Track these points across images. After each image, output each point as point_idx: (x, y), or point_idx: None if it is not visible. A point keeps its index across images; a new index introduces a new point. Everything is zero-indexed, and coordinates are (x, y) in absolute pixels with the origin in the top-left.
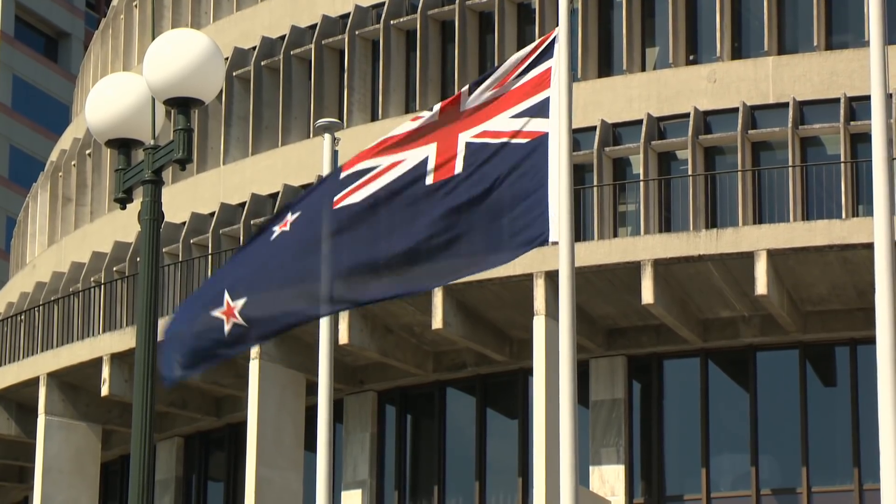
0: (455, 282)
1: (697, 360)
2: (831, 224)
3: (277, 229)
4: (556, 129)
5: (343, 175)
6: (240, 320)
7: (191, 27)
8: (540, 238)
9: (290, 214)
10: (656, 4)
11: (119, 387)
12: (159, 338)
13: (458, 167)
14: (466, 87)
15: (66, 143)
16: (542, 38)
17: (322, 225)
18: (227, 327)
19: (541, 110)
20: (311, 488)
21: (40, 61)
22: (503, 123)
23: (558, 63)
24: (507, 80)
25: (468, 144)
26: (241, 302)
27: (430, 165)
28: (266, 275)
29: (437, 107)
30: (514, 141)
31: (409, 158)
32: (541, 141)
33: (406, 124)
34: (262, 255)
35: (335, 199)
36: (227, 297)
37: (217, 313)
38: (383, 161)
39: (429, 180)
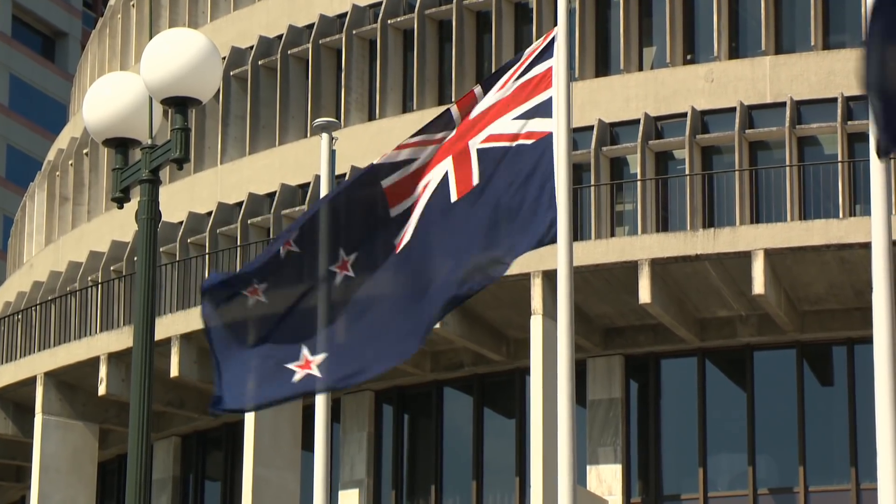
0: None
1: (695, 359)
2: (829, 224)
3: (338, 272)
4: (555, 129)
5: (393, 214)
6: (315, 372)
7: (188, 27)
8: (547, 238)
9: (343, 255)
10: (654, 4)
11: (116, 386)
12: (213, 375)
13: (476, 178)
14: (479, 86)
15: (63, 143)
16: (542, 38)
17: (387, 270)
18: (297, 377)
19: (543, 110)
20: (309, 488)
21: (37, 61)
22: (507, 125)
23: (558, 63)
24: (508, 82)
25: (479, 151)
26: (320, 357)
27: (452, 181)
28: (344, 329)
29: (455, 111)
30: (520, 143)
31: (433, 179)
32: (545, 141)
33: (427, 126)
34: (333, 303)
35: (395, 243)
36: (304, 351)
37: (292, 366)
38: (417, 187)
39: (453, 197)
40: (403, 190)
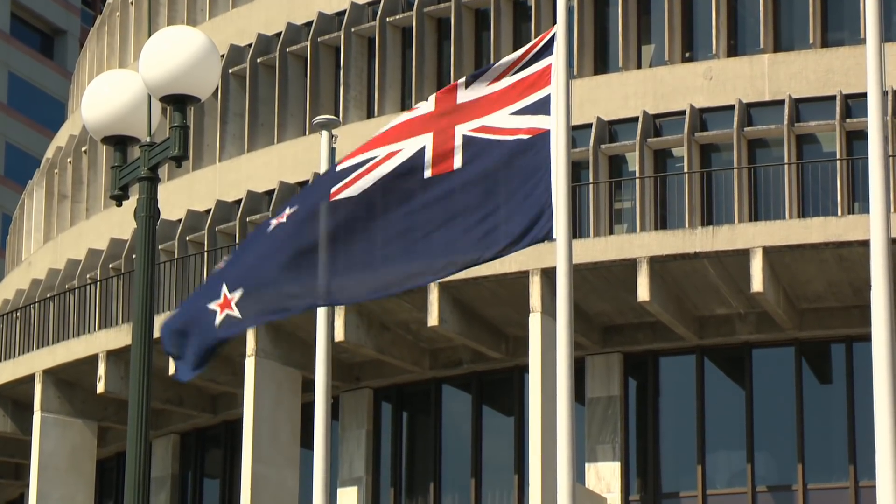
0: (451, 279)
1: (693, 357)
2: (827, 221)
3: (275, 222)
4: (554, 127)
5: (339, 168)
6: (234, 311)
7: (187, 24)
8: (542, 234)
9: (287, 209)
10: (652, 2)
11: (115, 384)
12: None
13: (457, 162)
14: (463, 79)
15: (62, 140)
16: (541, 34)
17: (318, 218)
18: (218, 318)
19: (542, 107)
20: (308, 485)
21: (36, 58)
22: (503, 120)
23: (557, 61)
24: (504, 75)
25: (465, 138)
26: (237, 294)
27: (428, 157)
28: (263, 267)
29: (431, 97)
30: (515, 138)
31: (406, 149)
32: (542, 138)
33: (401, 115)
34: (259, 247)
35: (331, 191)
36: (224, 289)
37: (213, 305)
38: (379, 152)
39: (427, 173)
40: (356, 151)
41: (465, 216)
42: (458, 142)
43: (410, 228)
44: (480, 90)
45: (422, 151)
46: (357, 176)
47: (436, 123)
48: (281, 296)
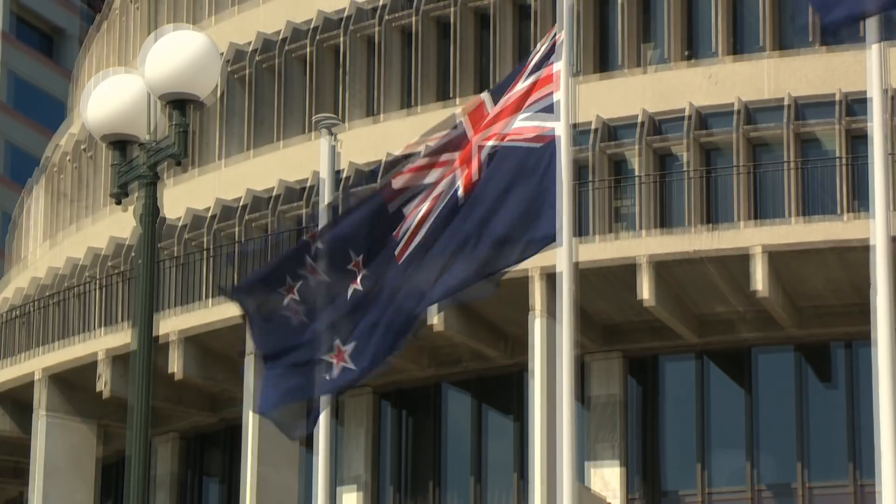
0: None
1: (694, 357)
2: (828, 221)
3: (359, 274)
4: (566, 129)
5: (392, 208)
6: (349, 364)
7: (188, 24)
8: (550, 237)
9: (355, 256)
10: (654, 3)
11: (116, 384)
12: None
13: (475, 173)
14: (488, 92)
15: (63, 141)
16: (545, 36)
17: (392, 280)
18: (336, 370)
19: (549, 110)
20: (309, 486)
21: (38, 59)
22: (513, 125)
23: (565, 66)
24: (516, 85)
25: (481, 148)
26: (350, 347)
27: (459, 182)
28: (363, 323)
29: (464, 118)
30: (526, 144)
31: (445, 190)
32: (551, 141)
33: (443, 133)
34: (353, 304)
35: (396, 253)
36: (337, 342)
37: (328, 357)
38: (426, 196)
39: (460, 194)
40: (402, 185)
41: (488, 224)
42: (475, 153)
43: (451, 246)
44: (500, 105)
45: (454, 179)
46: (413, 231)
47: (464, 154)
48: (377, 350)
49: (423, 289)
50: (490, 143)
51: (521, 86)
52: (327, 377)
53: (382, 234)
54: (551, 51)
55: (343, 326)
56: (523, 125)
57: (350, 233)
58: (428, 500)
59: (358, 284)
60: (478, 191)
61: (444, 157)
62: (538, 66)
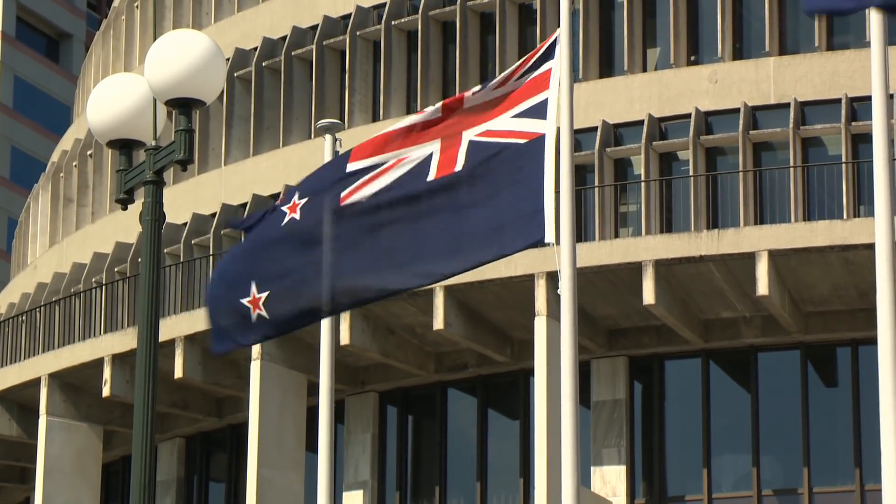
0: (456, 281)
1: (699, 360)
2: (833, 224)
3: (287, 212)
4: (555, 131)
5: (349, 169)
6: (263, 312)
7: (192, 28)
8: (534, 239)
9: (297, 196)
10: (657, 5)
11: (120, 387)
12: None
13: (459, 164)
14: (471, 91)
15: (67, 144)
16: (546, 39)
17: (328, 222)
18: (253, 316)
19: (539, 111)
20: (313, 489)
21: (41, 62)
22: (504, 123)
23: (559, 64)
24: (509, 80)
25: (471, 143)
26: (264, 295)
27: (434, 162)
28: (282, 270)
29: (438, 104)
30: (514, 141)
31: (413, 156)
32: (538, 142)
33: (409, 118)
34: (276, 244)
35: (342, 195)
36: (253, 288)
37: (245, 301)
38: (389, 158)
39: (430, 176)
40: (366, 150)
41: (466, 218)
42: (464, 146)
43: (415, 230)
44: (486, 95)
45: (429, 157)
46: (367, 181)
47: (443, 130)
48: (297, 303)
49: (373, 266)
50: (479, 138)
51: (516, 84)
52: (249, 323)
53: (332, 182)
54: (550, 51)
55: (259, 266)
56: (515, 124)
57: (306, 184)
58: (432, 503)
59: (296, 213)
60: (457, 181)
61: (410, 136)
62: (535, 66)
